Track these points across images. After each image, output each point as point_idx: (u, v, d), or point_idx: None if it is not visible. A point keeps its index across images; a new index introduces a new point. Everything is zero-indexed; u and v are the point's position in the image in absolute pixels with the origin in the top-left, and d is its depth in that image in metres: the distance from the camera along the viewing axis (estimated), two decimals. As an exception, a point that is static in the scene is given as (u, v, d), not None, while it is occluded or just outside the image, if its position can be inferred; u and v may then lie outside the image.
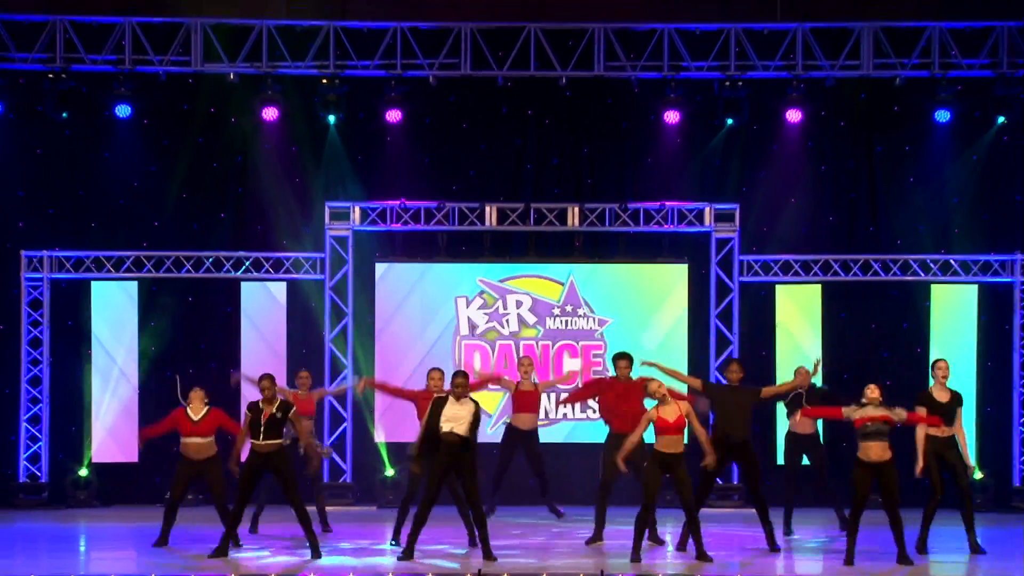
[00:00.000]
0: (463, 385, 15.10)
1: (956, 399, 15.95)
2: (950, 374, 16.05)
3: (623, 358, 16.73)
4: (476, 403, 15.19)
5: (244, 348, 21.41)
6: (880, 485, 14.90)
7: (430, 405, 15.14)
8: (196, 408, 16.45)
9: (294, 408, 15.64)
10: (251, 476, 15.46)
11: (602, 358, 21.22)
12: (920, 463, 15.56)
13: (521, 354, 20.95)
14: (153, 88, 21.32)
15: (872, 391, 14.90)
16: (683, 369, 20.75)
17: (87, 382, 21.44)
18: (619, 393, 16.59)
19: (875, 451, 14.83)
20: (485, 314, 21.50)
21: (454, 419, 14.99)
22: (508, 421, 18.54)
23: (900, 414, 14.89)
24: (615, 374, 16.77)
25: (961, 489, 15.90)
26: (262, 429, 15.34)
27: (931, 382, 16.08)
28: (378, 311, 21.53)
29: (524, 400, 18.23)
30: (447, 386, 15.53)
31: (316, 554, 15.38)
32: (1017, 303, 21.33)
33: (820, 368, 17.23)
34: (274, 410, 15.36)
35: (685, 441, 15.26)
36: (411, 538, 15.19)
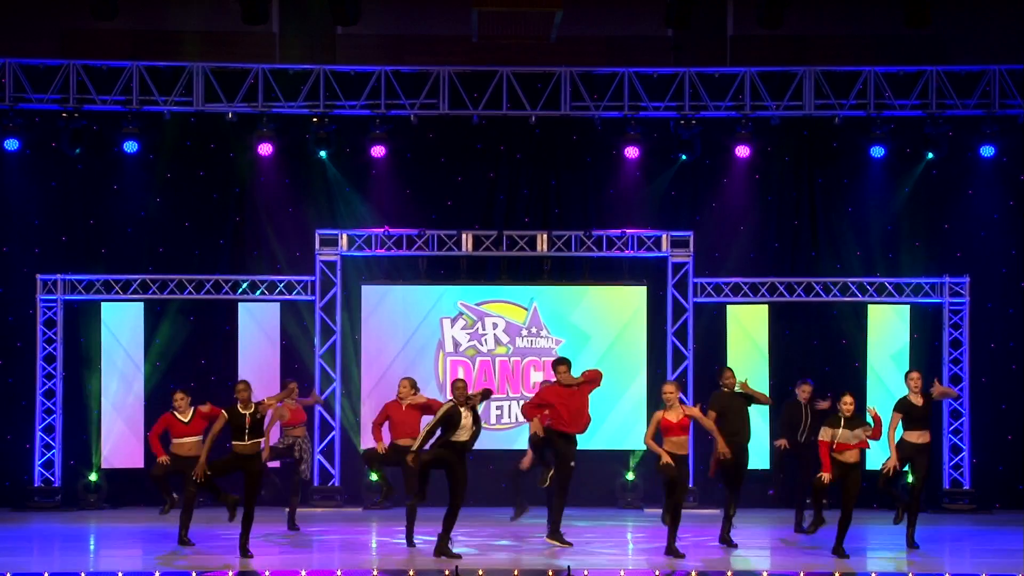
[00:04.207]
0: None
1: (929, 404, 16.37)
2: (922, 383, 16.32)
3: (562, 363, 16.58)
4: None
5: (241, 363, 21.33)
6: (844, 485, 15.48)
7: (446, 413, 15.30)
8: (183, 411, 16.58)
9: (263, 404, 15.55)
10: (226, 474, 15.40)
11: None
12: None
13: (498, 369, 21.17)
14: (158, 126, 21.28)
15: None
16: (641, 383, 21.12)
17: (97, 394, 21.33)
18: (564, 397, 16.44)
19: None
20: (467, 333, 21.53)
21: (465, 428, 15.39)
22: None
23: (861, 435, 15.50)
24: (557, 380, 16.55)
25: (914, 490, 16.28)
26: (246, 432, 15.27)
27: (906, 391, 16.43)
28: (363, 329, 21.50)
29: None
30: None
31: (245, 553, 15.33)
32: (946, 322, 21.30)
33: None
34: (252, 412, 15.34)
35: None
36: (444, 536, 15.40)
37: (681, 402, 15.72)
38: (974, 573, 14.52)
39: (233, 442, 15.36)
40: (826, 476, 15.29)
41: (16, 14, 21.72)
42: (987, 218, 21.92)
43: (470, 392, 15.50)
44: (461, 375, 21.30)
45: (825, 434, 15.45)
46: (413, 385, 16.71)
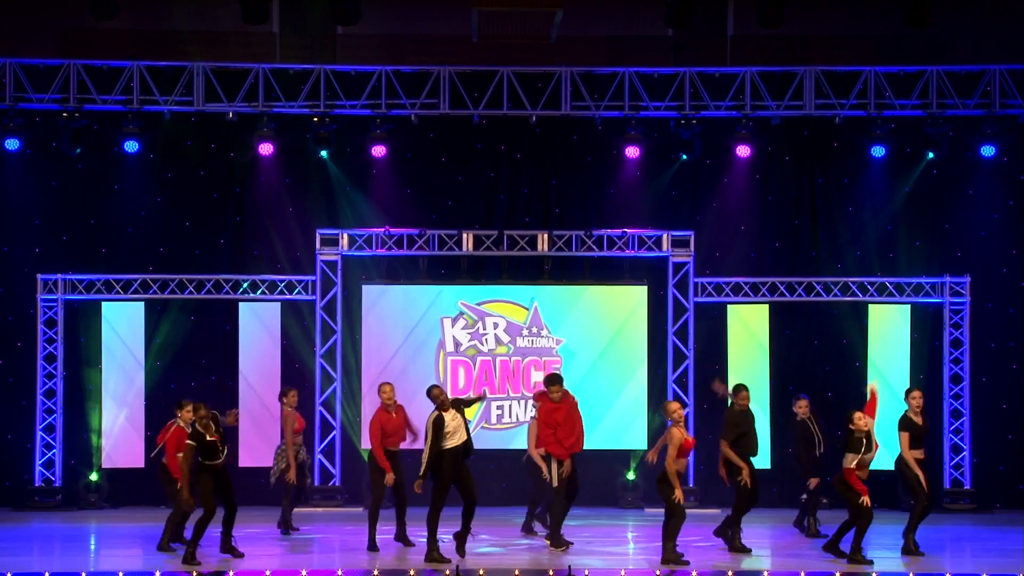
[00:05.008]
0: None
1: (927, 422, 16.45)
2: (923, 401, 16.31)
3: (554, 382, 16.43)
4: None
5: (242, 363, 21.36)
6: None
7: (434, 424, 15.09)
8: (188, 422, 16.45)
9: (218, 417, 15.47)
10: (213, 491, 15.37)
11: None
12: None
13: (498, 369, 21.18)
14: (159, 126, 21.37)
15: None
16: (642, 382, 21.11)
17: (97, 394, 21.35)
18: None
19: None
20: (468, 333, 21.51)
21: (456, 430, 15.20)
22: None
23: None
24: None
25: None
26: (220, 451, 15.26)
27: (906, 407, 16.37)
28: (364, 329, 21.47)
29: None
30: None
31: (238, 554, 15.43)
32: (946, 322, 21.30)
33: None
34: (217, 430, 15.30)
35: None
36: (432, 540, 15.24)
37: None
38: (974, 573, 14.55)
39: (207, 462, 15.28)
40: (867, 499, 15.20)
41: (16, 14, 21.75)
42: (987, 218, 21.92)
43: (450, 396, 15.43)
44: (462, 375, 21.30)
45: (849, 461, 15.22)
46: (393, 389, 16.53)
